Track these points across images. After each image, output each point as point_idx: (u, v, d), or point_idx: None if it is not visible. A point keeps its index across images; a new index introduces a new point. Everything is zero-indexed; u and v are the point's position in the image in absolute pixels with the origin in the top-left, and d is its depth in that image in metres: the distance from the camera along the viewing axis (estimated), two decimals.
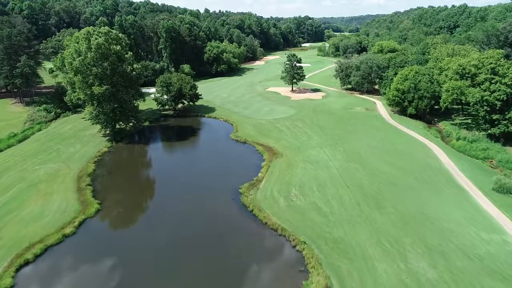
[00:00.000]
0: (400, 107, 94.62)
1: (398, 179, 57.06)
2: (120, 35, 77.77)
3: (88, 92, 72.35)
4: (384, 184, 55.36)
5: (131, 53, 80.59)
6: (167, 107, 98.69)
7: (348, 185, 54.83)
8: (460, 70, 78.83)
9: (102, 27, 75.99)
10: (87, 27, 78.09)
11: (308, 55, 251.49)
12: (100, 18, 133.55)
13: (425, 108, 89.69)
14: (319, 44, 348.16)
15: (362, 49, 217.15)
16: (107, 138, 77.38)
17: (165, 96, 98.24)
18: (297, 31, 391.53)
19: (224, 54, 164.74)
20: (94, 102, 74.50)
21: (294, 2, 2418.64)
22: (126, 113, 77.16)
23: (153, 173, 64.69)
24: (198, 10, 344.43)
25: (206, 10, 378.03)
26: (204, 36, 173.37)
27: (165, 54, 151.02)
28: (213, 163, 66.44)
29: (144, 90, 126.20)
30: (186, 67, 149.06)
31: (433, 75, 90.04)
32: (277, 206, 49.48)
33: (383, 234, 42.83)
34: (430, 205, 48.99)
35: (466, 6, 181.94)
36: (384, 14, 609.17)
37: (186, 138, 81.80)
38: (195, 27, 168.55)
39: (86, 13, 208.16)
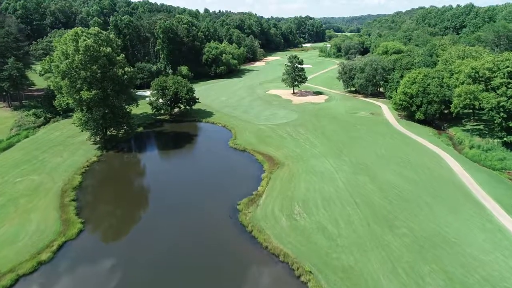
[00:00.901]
0: (408, 111, 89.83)
1: (410, 193, 52.29)
2: (111, 36, 73.12)
3: (77, 98, 67.69)
4: (395, 199, 50.59)
5: (123, 56, 75.92)
6: (162, 111, 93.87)
7: (356, 201, 50.06)
8: (473, 74, 74.05)
9: (91, 28, 71.19)
10: (81, 27, 73.45)
11: (309, 56, 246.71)
12: (94, 18, 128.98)
13: (434, 113, 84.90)
14: (320, 44, 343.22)
15: (364, 50, 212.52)
16: (97, 145, 72.70)
17: (160, 100, 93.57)
18: (298, 31, 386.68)
19: (223, 55, 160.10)
20: (83, 107, 69.92)
21: (294, 2, 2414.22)
22: (118, 119, 72.40)
23: (144, 187, 59.93)
24: (198, 10, 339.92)
25: (206, 10, 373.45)
26: (203, 36, 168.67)
27: (162, 55, 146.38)
28: (210, 174, 61.67)
29: (140, 92, 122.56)
30: (184, 69, 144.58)
31: (443, 78, 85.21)
32: (279, 226, 44.75)
33: (397, 260, 38.11)
34: (447, 225, 44.23)
35: (473, 6, 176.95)
36: (385, 14, 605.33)
37: (181, 146, 77.03)
38: (193, 27, 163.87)
39: (82, 13, 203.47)
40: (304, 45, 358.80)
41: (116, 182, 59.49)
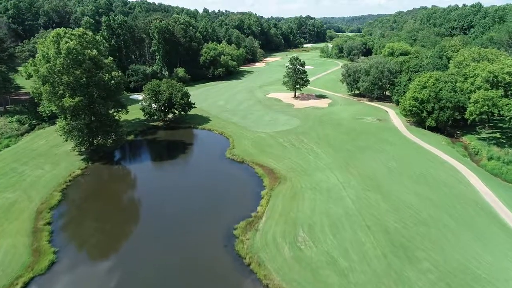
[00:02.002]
0: (418, 118, 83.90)
1: (428, 216, 46.36)
2: (98, 37, 67.24)
3: (60, 104, 61.80)
4: (413, 223, 44.68)
5: (112, 59, 70.08)
6: (155, 117, 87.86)
7: (369, 225, 44.14)
8: (491, 78, 68.18)
9: (76, 29, 65.27)
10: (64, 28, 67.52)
11: (310, 57, 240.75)
12: (85, 18, 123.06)
13: (447, 120, 79.00)
14: (321, 45, 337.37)
15: (367, 51, 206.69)
16: (83, 156, 66.74)
17: (153, 105, 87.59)
18: (298, 32, 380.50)
19: (222, 56, 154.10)
20: (67, 115, 64.04)
21: (294, 2, 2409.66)
22: (105, 128, 66.46)
23: (129, 206, 53.76)
24: (197, 10, 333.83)
25: (205, 10, 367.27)
26: (201, 37, 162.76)
27: (158, 56, 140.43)
28: (204, 191, 55.65)
29: (133, 96, 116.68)
30: (180, 71, 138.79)
31: (456, 83, 79.31)
32: (281, 257, 38.81)
33: None
34: (476, 257, 38.33)
35: (481, 5, 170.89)
36: (386, 14, 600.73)
37: (174, 156, 71.06)
38: (190, 28, 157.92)
39: (77, 12, 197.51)
40: (304, 45, 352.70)
41: (99, 200, 53.38)
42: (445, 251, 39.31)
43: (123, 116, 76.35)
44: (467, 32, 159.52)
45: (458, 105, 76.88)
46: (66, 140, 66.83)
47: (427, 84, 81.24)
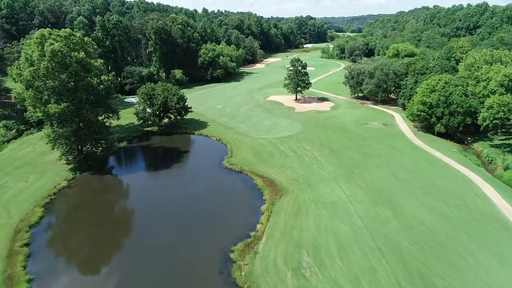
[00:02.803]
0: (426, 123, 79.61)
1: (445, 235, 42.12)
2: (86, 39, 62.92)
3: (45, 111, 57.57)
4: (428, 244, 40.41)
5: (102, 61, 65.86)
6: (150, 122, 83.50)
7: (380, 247, 39.87)
8: (506, 82, 63.92)
9: (62, 30, 61.02)
10: (49, 29, 63.31)
11: (311, 57, 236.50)
12: (79, 18, 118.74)
13: (457, 126, 74.71)
14: (322, 45, 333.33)
15: (369, 51, 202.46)
16: (71, 166, 62.50)
17: (148, 110, 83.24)
18: (299, 32, 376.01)
19: (221, 57, 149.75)
20: (54, 122, 59.81)
21: (294, 2, 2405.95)
22: (93, 136, 62.19)
23: (116, 222, 49.06)
24: (196, 10, 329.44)
25: (204, 10, 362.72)
26: (199, 37, 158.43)
27: (155, 58, 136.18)
28: (199, 206, 51.29)
29: (128, 99, 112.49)
30: (177, 73, 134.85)
31: (467, 86, 75.03)
32: (284, 286, 34.53)
33: None
34: (501, 285, 34.09)
35: (487, 5, 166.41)
36: (386, 14, 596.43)
37: (169, 166, 66.68)
38: (188, 28, 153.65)
39: (73, 12, 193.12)
40: (305, 45, 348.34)
41: (84, 216, 48.98)
42: (466, 278, 35.07)
43: (116, 121, 72.23)
44: (473, 33, 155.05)
45: (469, 110, 72.57)
46: (53, 149, 62.55)
47: (436, 88, 76.99)
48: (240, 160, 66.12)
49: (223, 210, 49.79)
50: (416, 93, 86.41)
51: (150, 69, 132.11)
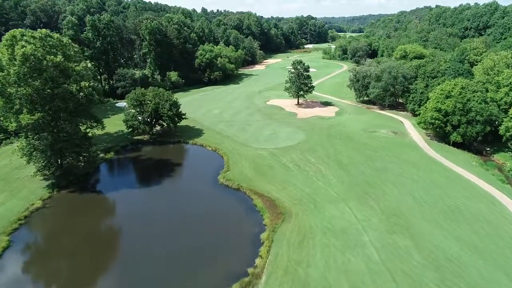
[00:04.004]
0: (440, 131, 73.10)
1: (479, 275, 35.58)
2: (65, 39, 56.24)
3: (18, 121, 51.05)
4: (460, 286, 33.86)
5: (85, 65, 59.35)
6: (140, 131, 76.87)
7: None
8: None
9: (38, 30, 54.41)
10: (22, 29, 56.76)
11: (313, 58, 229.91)
12: (67, 18, 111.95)
13: (476, 136, 68.23)
14: (323, 45, 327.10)
15: (373, 52, 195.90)
16: (49, 182, 55.94)
17: (139, 117, 76.66)
18: (299, 32, 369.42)
19: (219, 59, 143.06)
20: (29, 134, 53.28)
21: (294, 2, 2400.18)
22: (73, 149, 55.66)
23: (96, 253, 42.66)
24: (195, 10, 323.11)
25: (203, 10, 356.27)
26: (196, 38, 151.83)
27: (149, 59, 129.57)
28: (189, 233, 44.62)
29: (120, 104, 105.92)
30: (173, 75, 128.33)
31: (486, 92, 68.54)
32: None
33: None
34: None
35: (498, 4, 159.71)
36: (386, 14, 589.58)
37: (158, 181, 60.09)
38: (185, 28, 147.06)
39: (66, 12, 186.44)
40: (306, 46, 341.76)
41: (58, 246, 42.42)
42: None
43: (105, 129, 65.55)
44: (483, 33, 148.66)
45: (490, 119, 66.11)
46: (28, 163, 55.97)
47: (452, 93, 70.49)
48: (237, 174, 59.58)
49: (216, 239, 43.11)
50: (429, 98, 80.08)
51: (144, 71, 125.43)
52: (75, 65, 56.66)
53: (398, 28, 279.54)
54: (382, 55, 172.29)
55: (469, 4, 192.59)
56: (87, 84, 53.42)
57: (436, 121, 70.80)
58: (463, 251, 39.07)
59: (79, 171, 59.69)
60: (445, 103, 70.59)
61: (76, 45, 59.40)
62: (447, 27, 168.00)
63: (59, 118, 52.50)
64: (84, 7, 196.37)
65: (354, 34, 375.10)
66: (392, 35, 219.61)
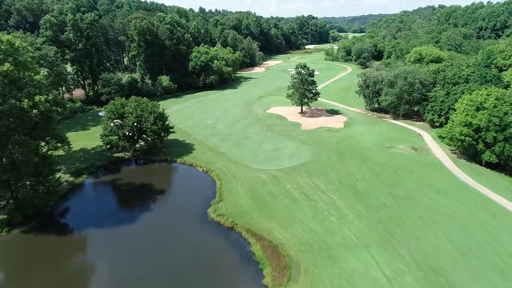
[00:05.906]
0: (470, 149, 62.59)
1: None
2: (17, 43, 45.52)
3: None
4: None
5: (46, 74, 48.69)
6: (119, 148, 66.17)
7: None
8: None
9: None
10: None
11: (314, 60, 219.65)
12: (45, 17, 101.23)
13: None
14: (324, 46, 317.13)
15: (378, 54, 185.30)
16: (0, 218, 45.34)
17: (119, 132, 65.86)
18: (300, 32, 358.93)
19: (215, 61, 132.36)
20: None
21: (294, 2, 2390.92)
22: (28, 177, 45.02)
23: None
24: (192, 9, 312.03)
25: (201, 9, 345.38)
26: (191, 39, 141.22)
27: (138, 62, 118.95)
28: None
29: (103, 113, 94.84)
30: (165, 79, 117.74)
31: None
32: None
33: None
34: None
35: None
36: (386, 14, 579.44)
37: (136, 215, 49.37)
38: (179, 28, 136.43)
39: (54, 11, 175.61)
40: (306, 46, 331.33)
41: None
42: None
43: (82, 144, 55.21)
44: (501, 33, 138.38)
45: None
46: None
47: (485, 105, 60.03)
48: (231, 206, 48.96)
49: None
50: (452, 109, 69.67)
51: (133, 75, 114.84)
52: (33, 74, 46.17)
53: (402, 28, 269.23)
54: (388, 57, 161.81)
55: (482, 2, 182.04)
56: (43, 98, 42.69)
57: (467, 137, 60.23)
58: None
59: (40, 202, 49.00)
60: (476, 117, 60.12)
61: (31, 50, 48.56)
62: (459, 27, 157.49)
63: (7, 142, 41.74)
64: (74, 6, 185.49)
65: (356, 35, 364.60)
66: (398, 35, 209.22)
